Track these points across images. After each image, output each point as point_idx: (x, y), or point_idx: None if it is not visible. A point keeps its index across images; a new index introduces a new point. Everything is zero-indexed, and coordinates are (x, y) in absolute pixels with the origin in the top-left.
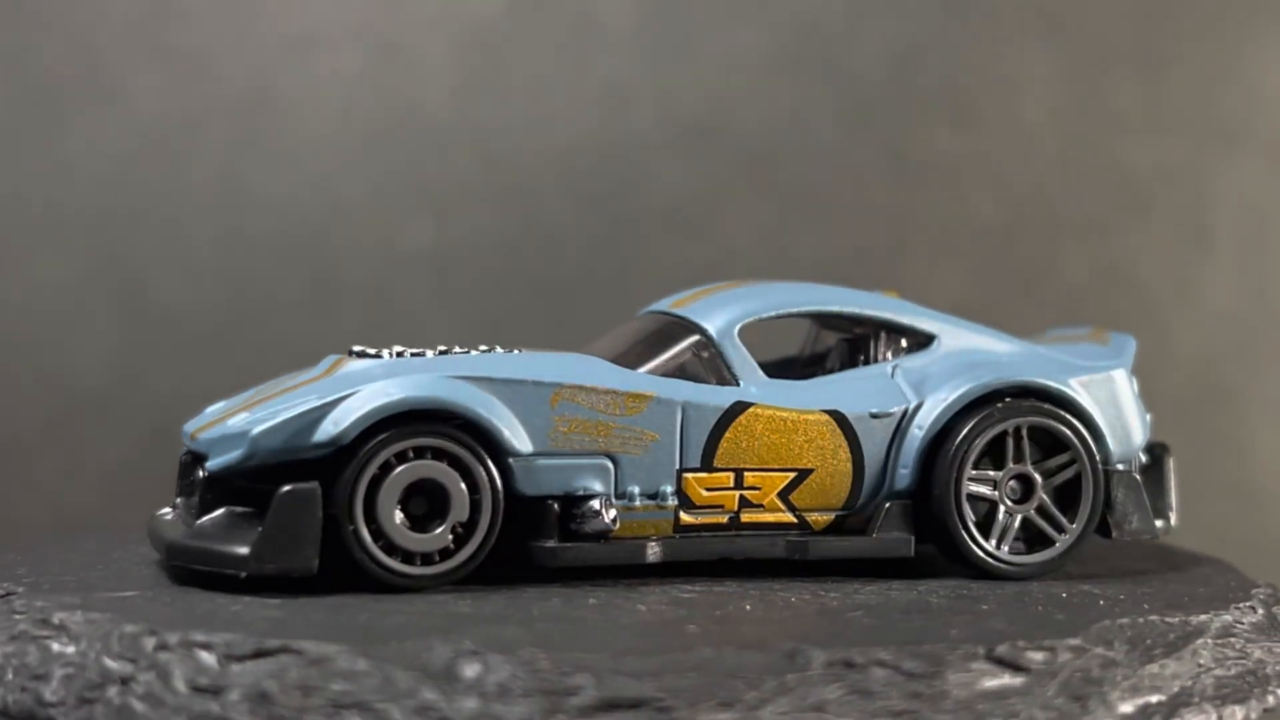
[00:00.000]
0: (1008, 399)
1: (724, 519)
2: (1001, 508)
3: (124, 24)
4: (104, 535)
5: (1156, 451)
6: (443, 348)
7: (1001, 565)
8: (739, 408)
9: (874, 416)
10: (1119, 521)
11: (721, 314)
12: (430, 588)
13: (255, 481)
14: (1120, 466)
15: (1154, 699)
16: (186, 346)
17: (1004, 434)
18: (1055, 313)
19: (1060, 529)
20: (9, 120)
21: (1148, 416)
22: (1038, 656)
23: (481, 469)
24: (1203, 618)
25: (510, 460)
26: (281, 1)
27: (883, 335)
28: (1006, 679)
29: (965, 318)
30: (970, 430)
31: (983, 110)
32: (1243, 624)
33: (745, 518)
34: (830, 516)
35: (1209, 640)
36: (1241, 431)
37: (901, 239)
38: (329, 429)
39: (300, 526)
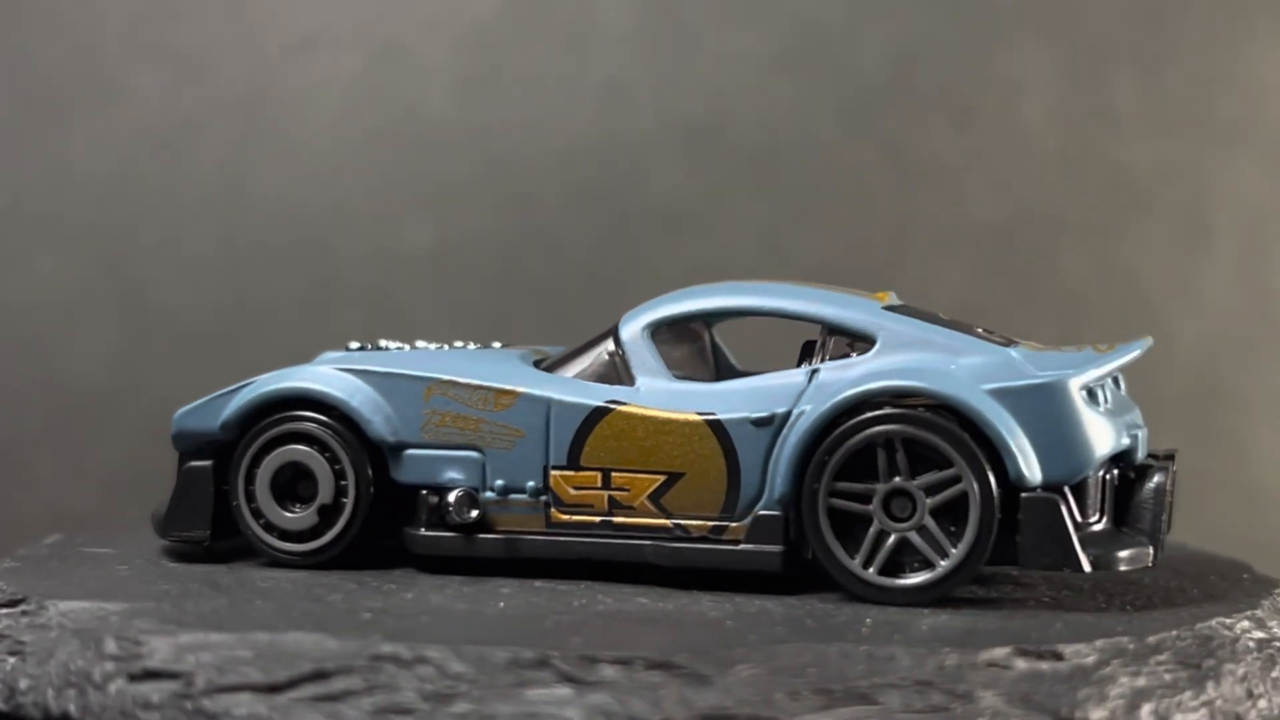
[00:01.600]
0: (886, 408)
1: (596, 519)
2: (875, 524)
3: (124, 24)
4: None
5: (1150, 468)
6: (422, 343)
7: (867, 586)
8: (607, 408)
9: (754, 423)
10: (1026, 550)
11: (638, 316)
12: (303, 565)
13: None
14: (1039, 489)
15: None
16: (186, 347)
17: (877, 445)
18: (1055, 313)
19: (943, 553)
20: (9, 121)
21: (1124, 429)
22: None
23: (346, 455)
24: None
25: (386, 449)
26: (282, 2)
27: (831, 337)
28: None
29: (965, 318)
30: (832, 440)
31: (983, 110)
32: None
33: (617, 519)
34: (709, 523)
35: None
36: (1242, 431)
37: (901, 239)
38: (222, 414)
39: (195, 500)
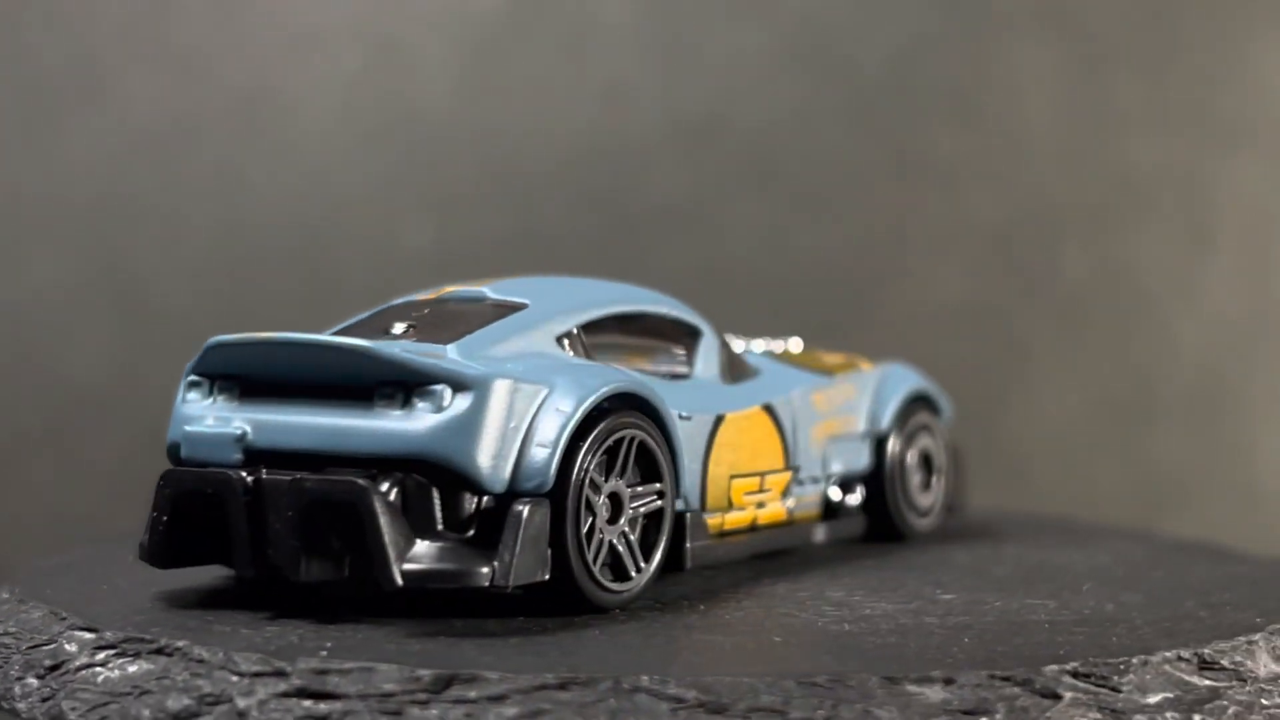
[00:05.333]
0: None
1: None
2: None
3: (122, 24)
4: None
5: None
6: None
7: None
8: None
9: None
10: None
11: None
12: None
13: None
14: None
15: None
16: (186, 346)
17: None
18: (1055, 313)
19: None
20: (8, 120)
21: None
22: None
23: None
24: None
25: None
26: (281, 1)
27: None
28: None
29: (966, 319)
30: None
31: (983, 110)
32: None
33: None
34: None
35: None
36: (1241, 431)
37: (902, 238)
38: None
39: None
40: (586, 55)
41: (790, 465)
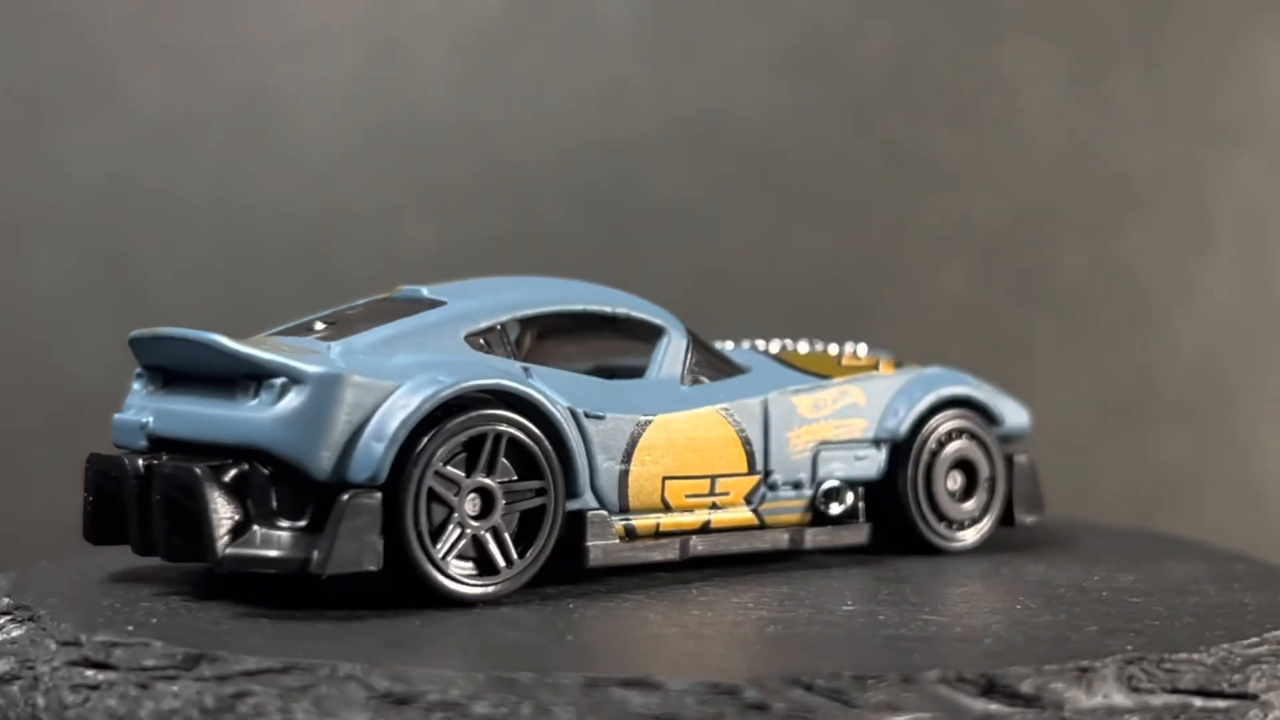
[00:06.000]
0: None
1: None
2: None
3: (123, 24)
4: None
5: None
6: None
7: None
8: None
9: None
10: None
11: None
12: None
13: None
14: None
15: None
16: None
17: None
18: (1055, 313)
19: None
20: (9, 121)
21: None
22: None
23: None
24: None
25: None
26: (281, 2)
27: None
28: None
29: (966, 318)
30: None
31: (983, 110)
32: None
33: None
34: None
35: None
36: (1241, 431)
37: (902, 239)
38: None
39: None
40: (586, 55)
41: (758, 470)
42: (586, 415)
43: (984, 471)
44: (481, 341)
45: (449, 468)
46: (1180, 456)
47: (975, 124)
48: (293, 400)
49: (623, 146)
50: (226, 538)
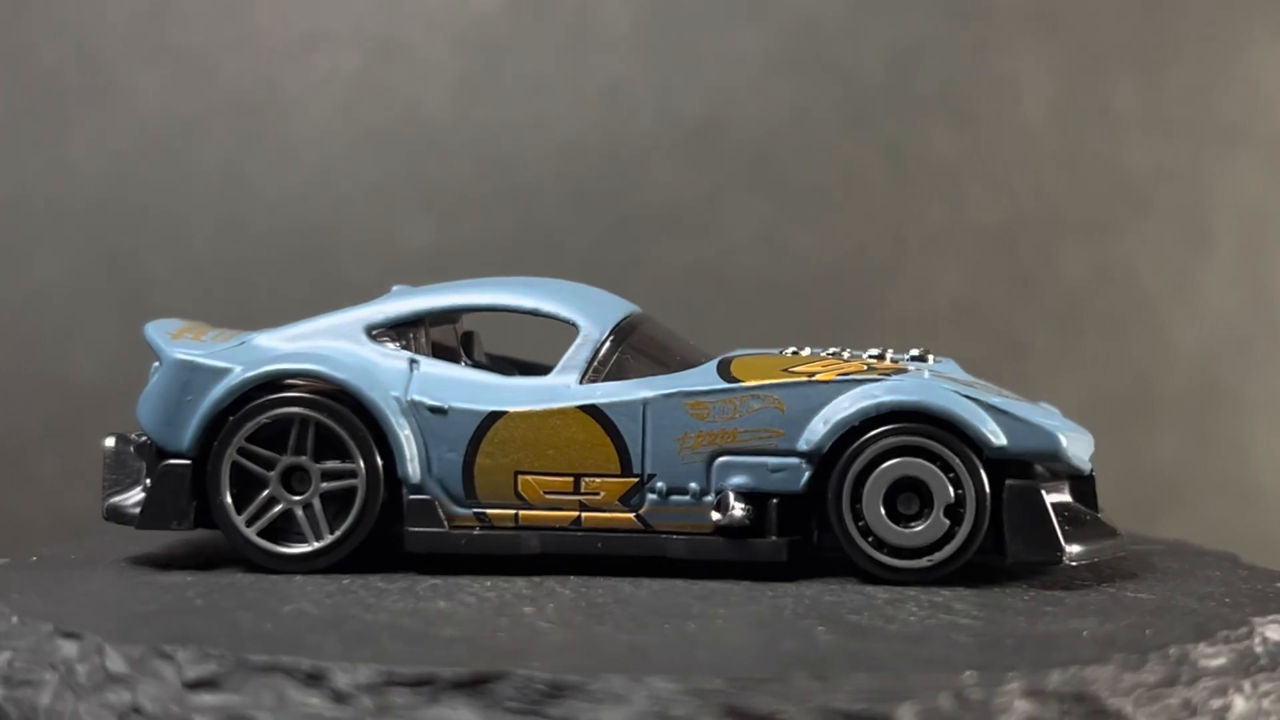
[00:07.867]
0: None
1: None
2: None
3: (125, 24)
4: None
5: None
6: None
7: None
8: None
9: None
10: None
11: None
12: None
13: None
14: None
15: None
16: None
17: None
18: (1055, 313)
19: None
20: (10, 120)
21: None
22: None
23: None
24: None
25: None
26: (282, 2)
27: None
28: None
29: (965, 319)
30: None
31: (983, 110)
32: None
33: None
34: None
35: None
36: (1241, 431)
37: (901, 239)
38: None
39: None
40: (586, 55)
41: (635, 472)
42: (428, 407)
43: (943, 495)
44: (383, 335)
45: (260, 448)
46: (1178, 456)
47: (974, 124)
48: (153, 380)
49: (622, 147)
50: (114, 490)
